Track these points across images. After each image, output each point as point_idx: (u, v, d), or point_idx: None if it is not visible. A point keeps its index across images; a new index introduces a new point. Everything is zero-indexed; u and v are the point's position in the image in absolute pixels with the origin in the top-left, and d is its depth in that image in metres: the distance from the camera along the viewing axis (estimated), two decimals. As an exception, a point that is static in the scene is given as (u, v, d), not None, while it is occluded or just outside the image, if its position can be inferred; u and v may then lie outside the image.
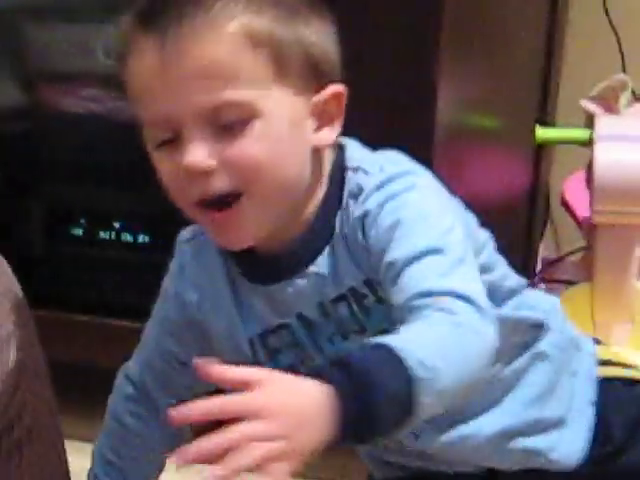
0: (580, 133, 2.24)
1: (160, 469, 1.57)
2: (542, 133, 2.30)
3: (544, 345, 1.53)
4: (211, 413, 1.07)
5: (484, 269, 1.44)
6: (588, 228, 2.25)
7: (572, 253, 2.51)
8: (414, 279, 1.30)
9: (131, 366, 1.57)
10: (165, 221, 2.15)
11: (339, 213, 1.39)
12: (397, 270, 1.32)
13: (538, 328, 1.54)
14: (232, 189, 1.31)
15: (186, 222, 2.09)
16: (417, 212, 1.35)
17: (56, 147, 2.22)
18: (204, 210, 1.33)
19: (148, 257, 2.16)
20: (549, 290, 2.41)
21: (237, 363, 1.21)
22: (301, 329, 1.42)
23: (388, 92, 1.94)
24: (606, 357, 1.63)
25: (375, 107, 1.92)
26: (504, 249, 2.45)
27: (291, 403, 1.09)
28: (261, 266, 1.39)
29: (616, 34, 2.49)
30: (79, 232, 2.15)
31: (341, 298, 1.40)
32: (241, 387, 1.06)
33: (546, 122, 2.48)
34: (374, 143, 1.87)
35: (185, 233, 1.52)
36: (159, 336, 1.52)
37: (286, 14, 1.33)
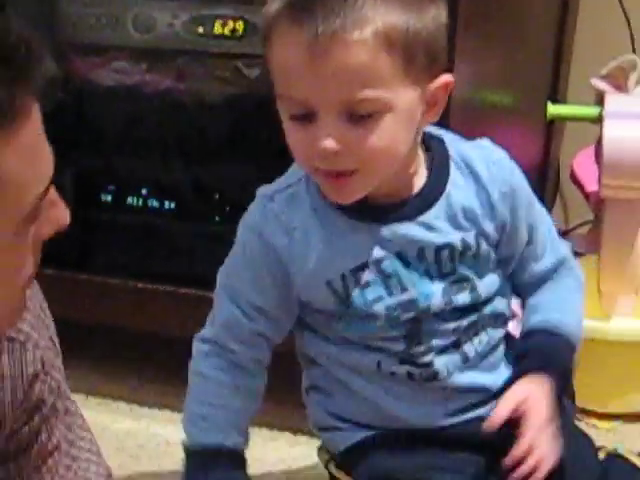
0: (590, 110, 2.25)
1: (251, 418, 1.60)
2: (553, 110, 2.31)
3: None
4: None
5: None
6: (596, 202, 2.28)
7: (580, 226, 2.53)
8: (547, 249, 1.64)
9: (205, 330, 1.61)
10: (189, 187, 2.19)
11: (449, 179, 1.53)
12: (533, 241, 1.62)
13: None
14: (354, 168, 1.42)
15: (207, 189, 2.13)
16: (530, 197, 1.63)
17: (86, 118, 2.25)
18: (324, 175, 1.44)
19: (173, 223, 2.19)
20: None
21: (320, 300, 1.54)
22: (396, 266, 1.53)
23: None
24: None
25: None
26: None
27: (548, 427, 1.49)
28: (371, 210, 1.50)
29: (626, 15, 2.50)
30: (108, 198, 2.19)
31: (446, 246, 1.52)
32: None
33: (557, 99, 2.50)
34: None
35: (267, 190, 1.59)
36: (237, 287, 1.57)
37: (415, 6, 1.38)
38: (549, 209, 2.60)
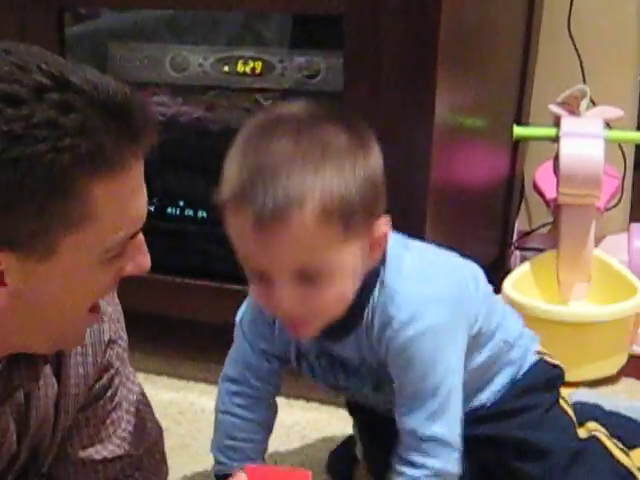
0: (549, 131, 2.25)
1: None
2: (518, 131, 2.31)
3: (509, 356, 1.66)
4: None
5: (476, 334, 1.57)
6: (554, 207, 2.27)
7: (542, 227, 2.53)
8: (409, 417, 1.47)
9: (229, 371, 1.62)
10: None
11: (366, 312, 1.47)
12: (402, 398, 1.49)
13: (508, 348, 1.65)
14: (307, 319, 1.41)
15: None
16: (429, 354, 1.45)
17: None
18: (282, 319, 1.45)
19: (205, 228, 2.17)
20: (523, 256, 2.44)
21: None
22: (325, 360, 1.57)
23: (399, 98, 1.95)
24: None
25: (390, 110, 1.95)
26: (489, 224, 2.49)
27: None
28: None
29: (577, 52, 2.51)
30: (152, 209, 2.17)
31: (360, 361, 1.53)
32: None
33: (522, 122, 2.49)
34: (390, 138, 1.92)
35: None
36: (253, 340, 1.58)
37: (347, 164, 1.33)
38: (516, 213, 2.62)
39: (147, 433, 1.58)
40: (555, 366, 1.71)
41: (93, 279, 1.23)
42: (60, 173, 1.13)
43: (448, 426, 1.46)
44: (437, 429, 1.44)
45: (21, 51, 1.17)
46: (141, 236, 1.28)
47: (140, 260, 1.28)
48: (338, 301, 1.40)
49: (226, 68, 2.17)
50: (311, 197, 1.29)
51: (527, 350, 1.67)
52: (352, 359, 1.52)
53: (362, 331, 1.47)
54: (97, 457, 1.54)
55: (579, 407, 1.82)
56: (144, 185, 1.25)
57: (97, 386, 1.51)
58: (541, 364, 1.69)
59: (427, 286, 1.46)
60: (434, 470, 1.44)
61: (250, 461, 1.55)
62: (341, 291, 1.39)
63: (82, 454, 1.53)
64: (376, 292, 1.45)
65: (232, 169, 1.35)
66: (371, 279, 1.44)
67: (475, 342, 1.56)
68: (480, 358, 1.59)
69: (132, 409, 1.57)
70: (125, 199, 1.20)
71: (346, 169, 1.32)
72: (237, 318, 1.62)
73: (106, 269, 1.23)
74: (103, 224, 1.18)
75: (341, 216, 1.32)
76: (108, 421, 1.54)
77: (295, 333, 1.46)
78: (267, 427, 1.63)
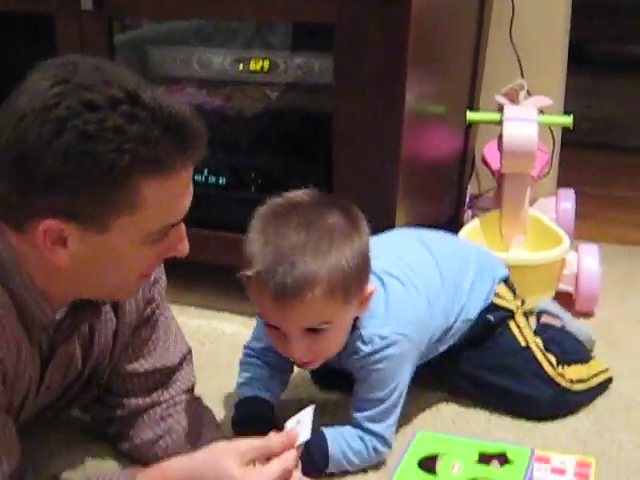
0: (494, 116, 2.24)
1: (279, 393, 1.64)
2: (470, 116, 2.30)
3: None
4: None
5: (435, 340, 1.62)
6: (498, 176, 2.27)
7: (488, 191, 2.54)
8: (360, 412, 1.50)
9: (251, 342, 1.65)
10: (235, 169, 2.19)
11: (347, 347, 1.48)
12: (358, 397, 1.52)
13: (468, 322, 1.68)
14: (314, 360, 1.45)
15: (245, 170, 2.14)
16: (374, 381, 1.50)
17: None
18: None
19: (225, 192, 2.20)
20: (474, 213, 2.44)
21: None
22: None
23: (377, 90, 1.94)
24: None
25: (369, 100, 1.95)
26: (447, 189, 2.49)
27: None
28: None
29: (517, 54, 2.50)
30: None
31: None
32: None
33: (473, 109, 2.49)
34: (369, 122, 1.92)
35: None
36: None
37: (346, 246, 1.36)
38: (468, 180, 2.62)
39: (179, 350, 1.59)
40: (505, 309, 1.74)
41: (137, 255, 1.24)
42: (119, 170, 1.14)
43: (386, 427, 1.51)
44: (378, 429, 1.49)
45: (107, 69, 1.19)
46: (182, 226, 1.28)
47: (180, 246, 1.29)
48: (337, 345, 1.45)
49: (241, 66, 2.17)
50: (320, 278, 1.33)
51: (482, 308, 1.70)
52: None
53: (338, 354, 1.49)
54: (140, 369, 1.54)
55: (538, 327, 1.87)
56: (191, 188, 1.26)
57: (143, 315, 1.53)
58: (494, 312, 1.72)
59: (388, 325, 1.49)
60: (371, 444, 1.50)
61: (261, 392, 1.59)
62: (340, 338, 1.44)
63: (129, 367, 1.54)
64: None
65: (256, 251, 1.36)
66: None
67: (435, 343, 1.63)
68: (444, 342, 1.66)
69: (168, 332, 1.58)
70: (170, 198, 1.21)
71: (346, 250, 1.36)
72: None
73: (148, 249, 1.24)
74: (148, 214, 1.19)
75: (343, 288, 1.36)
76: (149, 342, 1.55)
77: (303, 367, 1.51)
78: (279, 381, 1.64)
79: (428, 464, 1.30)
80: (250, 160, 2.20)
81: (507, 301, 1.73)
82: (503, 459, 1.31)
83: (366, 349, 1.48)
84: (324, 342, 1.41)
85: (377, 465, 1.53)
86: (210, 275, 2.05)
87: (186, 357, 1.60)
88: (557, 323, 1.92)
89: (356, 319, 1.47)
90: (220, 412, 1.71)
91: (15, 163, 1.16)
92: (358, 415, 1.50)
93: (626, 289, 2.29)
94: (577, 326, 1.95)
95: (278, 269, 1.31)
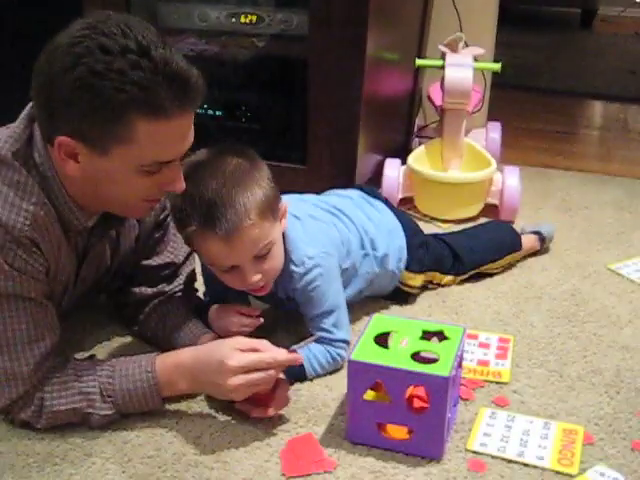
0: (438, 62, 2.22)
1: None
2: (419, 62, 2.27)
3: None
4: None
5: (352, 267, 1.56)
6: (440, 111, 2.24)
7: (432, 123, 2.51)
8: (319, 328, 1.45)
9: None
10: (229, 104, 2.16)
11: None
12: (310, 317, 1.47)
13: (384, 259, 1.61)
14: (266, 283, 1.39)
15: (238, 104, 2.11)
16: (317, 297, 1.44)
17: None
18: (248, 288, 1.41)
19: (220, 122, 2.16)
20: (420, 141, 2.42)
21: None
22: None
23: (344, 39, 1.91)
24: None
25: (338, 47, 1.93)
26: (399, 121, 2.47)
27: None
28: None
29: (457, 11, 2.46)
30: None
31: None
32: None
33: (420, 56, 2.46)
34: (337, 66, 1.89)
35: None
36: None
37: (257, 178, 1.32)
38: (416, 113, 2.60)
39: (184, 250, 1.58)
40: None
41: (134, 182, 1.22)
42: (115, 105, 1.13)
43: (345, 331, 1.47)
44: (338, 336, 1.45)
45: (133, 25, 1.15)
46: (178, 166, 1.25)
47: (175, 184, 1.26)
48: (280, 262, 1.41)
49: (233, 20, 2.11)
50: (249, 206, 1.29)
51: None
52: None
53: (278, 281, 1.45)
54: (153, 264, 1.55)
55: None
56: (189, 135, 1.22)
57: (159, 220, 1.53)
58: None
59: (311, 247, 1.45)
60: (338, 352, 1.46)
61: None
62: (280, 255, 1.40)
63: (144, 262, 1.54)
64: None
65: (188, 209, 1.31)
66: None
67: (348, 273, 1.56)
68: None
69: (177, 234, 1.56)
70: (163, 138, 1.18)
71: (257, 179, 1.32)
72: None
73: (143, 178, 1.22)
74: (141, 148, 1.17)
75: (269, 208, 1.33)
76: (161, 242, 1.55)
77: (261, 293, 1.43)
78: None
79: (381, 340, 1.30)
80: (241, 97, 2.17)
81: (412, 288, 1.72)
82: (441, 336, 1.32)
83: (299, 270, 1.42)
84: (270, 262, 1.36)
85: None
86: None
87: (190, 255, 1.59)
88: None
89: (285, 250, 1.43)
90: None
91: (42, 85, 1.17)
92: (316, 332, 1.44)
93: (540, 204, 2.29)
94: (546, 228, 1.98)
95: (215, 214, 1.27)
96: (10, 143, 1.23)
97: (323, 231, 1.51)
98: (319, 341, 1.43)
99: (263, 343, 1.29)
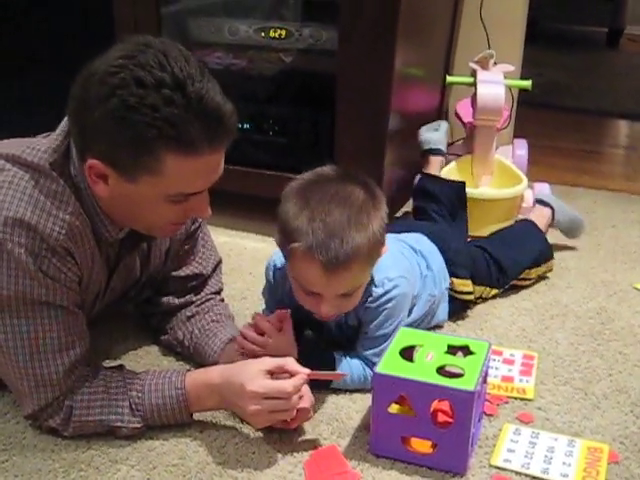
0: (468, 79, 2.23)
1: None
2: (449, 79, 2.28)
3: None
4: None
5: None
6: (469, 127, 2.25)
7: (458, 140, 2.51)
8: (368, 347, 1.44)
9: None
10: (257, 117, 2.17)
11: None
12: (367, 336, 1.44)
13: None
14: (339, 315, 1.40)
15: (265, 117, 2.12)
16: (383, 318, 1.42)
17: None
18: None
19: (248, 135, 2.16)
20: (448, 159, 2.40)
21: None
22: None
23: (373, 55, 1.92)
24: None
25: (366, 63, 1.93)
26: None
27: None
28: None
29: (485, 29, 2.47)
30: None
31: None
32: None
33: (448, 73, 2.46)
34: (366, 81, 1.91)
35: (279, 263, 1.48)
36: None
37: (373, 217, 1.30)
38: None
39: (212, 261, 1.60)
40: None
41: (160, 208, 1.23)
42: (145, 139, 1.13)
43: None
44: (377, 360, 1.39)
45: (172, 55, 1.14)
46: (205, 195, 1.26)
47: (201, 211, 1.27)
48: (357, 302, 1.39)
49: (262, 34, 2.13)
50: (362, 249, 1.27)
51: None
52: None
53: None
54: (181, 274, 1.56)
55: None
56: (217, 166, 1.22)
57: (189, 231, 1.54)
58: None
59: (393, 270, 1.43)
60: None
61: None
62: (361, 294, 1.38)
63: (173, 273, 1.56)
64: None
65: (303, 226, 1.27)
66: None
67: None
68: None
69: (205, 246, 1.58)
70: (191, 173, 1.18)
71: (376, 221, 1.30)
72: (273, 263, 1.51)
73: (170, 206, 1.23)
74: (169, 180, 1.18)
75: (376, 254, 1.32)
76: (191, 253, 1.57)
77: (322, 320, 1.41)
78: None
79: (407, 353, 1.31)
80: (268, 111, 2.18)
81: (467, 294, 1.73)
82: (467, 351, 1.32)
83: (378, 291, 1.40)
84: (351, 301, 1.36)
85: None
86: (235, 202, 2.05)
87: (217, 266, 1.61)
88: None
89: None
90: (242, 307, 1.74)
91: (77, 108, 1.18)
92: (367, 352, 1.43)
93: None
94: (569, 214, 2.06)
95: (330, 244, 1.24)
96: (49, 154, 1.25)
97: (405, 257, 1.53)
98: (361, 358, 1.44)
99: (289, 362, 1.29)
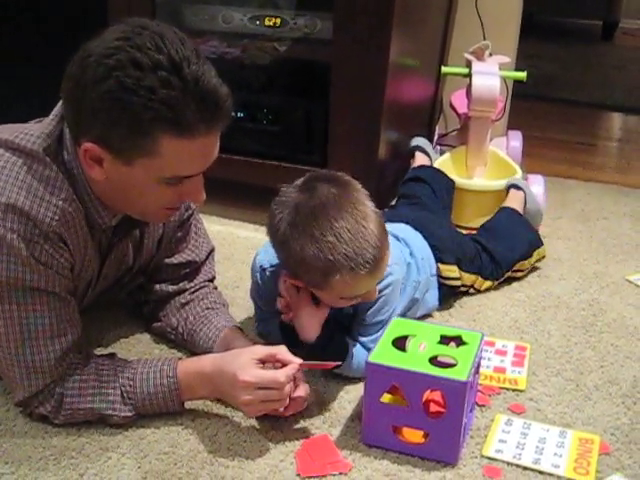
0: (464, 70, 2.22)
1: None
2: (444, 69, 2.28)
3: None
4: None
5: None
6: (464, 118, 2.25)
7: (453, 131, 2.50)
8: (365, 334, 1.43)
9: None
10: (250, 106, 2.16)
11: None
12: (364, 323, 1.43)
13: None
14: None
15: (259, 106, 2.12)
16: (380, 305, 1.42)
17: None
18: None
19: (242, 124, 2.15)
20: (442, 149, 2.40)
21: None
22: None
23: (368, 45, 1.91)
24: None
25: (362, 53, 1.92)
26: (419, 128, 2.46)
27: None
28: None
29: (481, 20, 2.46)
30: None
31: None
32: None
33: (443, 63, 2.46)
34: (361, 70, 1.89)
35: (266, 263, 1.47)
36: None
37: (378, 219, 1.32)
38: (437, 120, 2.60)
39: (205, 248, 1.60)
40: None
41: (155, 192, 1.22)
42: (141, 121, 1.13)
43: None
44: (373, 346, 1.37)
45: (168, 38, 1.14)
46: (200, 179, 1.25)
47: (195, 195, 1.26)
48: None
49: (257, 22, 2.12)
50: (379, 232, 1.29)
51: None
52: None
53: None
54: (175, 261, 1.56)
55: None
56: (213, 149, 1.21)
57: (182, 219, 1.53)
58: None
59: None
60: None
61: None
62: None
63: (166, 260, 1.55)
64: None
65: (336, 254, 1.26)
66: None
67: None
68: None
69: (198, 233, 1.58)
70: (186, 155, 1.18)
71: (367, 202, 1.31)
72: (259, 263, 1.49)
73: (164, 189, 1.22)
74: (164, 162, 1.17)
75: (385, 230, 1.33)
76: (184, 240, 1.56)
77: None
78: None
79: (399, 343, 1.30)
80: (262, 99, 2.17)
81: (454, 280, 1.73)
82: (459, 341, 1.32)
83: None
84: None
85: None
86: (229, 191, 2.04)
87: (210, 254, 1.61)
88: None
89: None
90: (235, 295, 1.73)
91: (73, 89, 1.17)
92: (364, 339, 1.43)
93: (559, 213, 2.29)
94: (535, 203, 2.05)
95: (361, 252, 1.26)
96: (42, 138, 1.24)
97: (391, 243, 1.51)
98: (362, 345, 1.44)
99: (281, 350, 1.29)
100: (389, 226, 1.63)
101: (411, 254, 1.61)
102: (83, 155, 1.19)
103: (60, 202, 1.23)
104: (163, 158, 1.16)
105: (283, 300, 1.39)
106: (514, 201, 2.01)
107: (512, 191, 2.05)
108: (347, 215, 1.27)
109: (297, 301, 1.38)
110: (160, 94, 1.11)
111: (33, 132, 1.25)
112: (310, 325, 1.37)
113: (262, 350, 1.28)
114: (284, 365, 1.27)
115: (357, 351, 1.43)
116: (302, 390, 1.30)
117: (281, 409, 1.29)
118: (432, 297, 1.68)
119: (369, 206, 1.31)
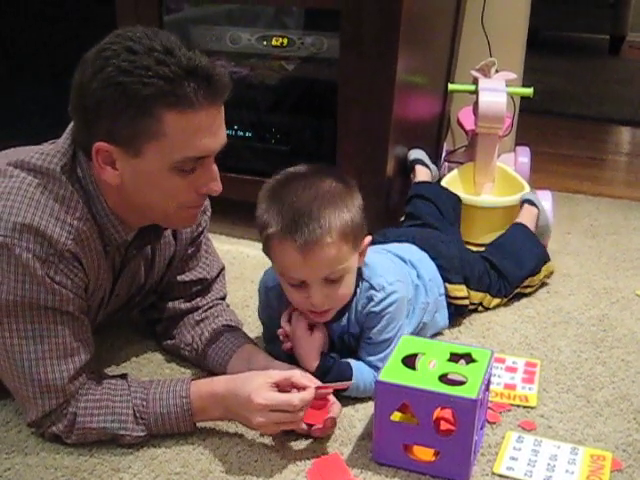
0: (470, 87, 2.23)
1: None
2: (451, 87, 2.29)
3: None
4: None
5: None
6: (472, 135, 2.25)
7: (460, 148, 2.52)
8: (372, 354, 1.43)
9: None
10: (258, 126, 2.18)
11: (354, 299, 1.42)
12: (371, 342, 1.43)
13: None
14: (330, 309, 1.38)
15: (266, 125, 2.13)
16: (386, 322, 1.42)
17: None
18: (311, 313, 1.39)
19: (250, 143, 2.17)
20: (450, 166, 2.40)
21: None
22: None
23: (374, 64, 1.93)
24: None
25: (368, 71, 1.94)
26: (427, 145, 2.48)
27: None
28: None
29: (487, 37, 2.48)
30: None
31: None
32: None
33: (450, 81, 2.47)
34: (368, 89, 1.90)
35: (270, 282, 1.49)
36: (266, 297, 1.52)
37: (350, 204, 1.32)
38: (444, 137, 2.60)
39: (216, 266, 1.61)
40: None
41: (169, 182, 1.23)
42: (142, 100, 1.16)
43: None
44: (382, 365, 1.38)
45: (160, 34, 1.20)
46: (213, 166, 1.26)
47: (211, 184, 1.27)
48: (349, 293, 1.40)
49: (265, 42, 2.14)
50: (334, 225, 1.29)
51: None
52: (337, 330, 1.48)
53: (351, 311, 1.44)
54: (186, 279, 1.57)
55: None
56: (218, 127, 1.23)
57: (192, 237, 1.54)
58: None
59: (390, 275, 1.44)
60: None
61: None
62: (350, 287, 1.39)
63: (178, 278, 1.56)
64: (360, 284, 1.43)
65: (273, 214, 1.30)
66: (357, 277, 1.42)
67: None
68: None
69: (208, 251, 1.59)
70: (192, 131, 1.19)
71: (349, 205, 1.32)
72: (264, 283, 1.51)
73: (178, 178, 1.23)
74: (172, 142, 1.19)
75: (352, 235, 1.33)
76: (195, 258, 1.57)
77: (320, 319, 1.41)
78: None
79: (409, 361, 1.30)
80: (270, 119, 2.19)
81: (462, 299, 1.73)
82: (469, 359, 1.32)
83: (379, 295, 1.40)
84: (340, 289, 1.36)
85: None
86: (237, 210, 2.04)
87: (221, 272, 1.62)
88: None
89: (361, 277, 1.42)
90: (244, 315, 1.73)
91: (76, 93, 1.21)
92: (371, 358, 1.43)
93: (568, 228, 2.29)
94: (546, 220, 2.05)
95: (299, 221, 1.27)
96: (58, 157, 1.27)
97: (396, 264, 1.53)
98: (367, 365, 1.44)
99: (296, 374, 1.29)
100: (395, 247, 1.64)
101: (418, 276, 1.61)
102: (96, 159, 1.21)
103: (75, 221, 1.24)
104: (169, 137, 1.18)
105: (282, 330, 1.43)
106: (527, 217, 2.01)
107: (526, 206, 2.04)
108: (320, 195, 1.30)
109: (293, 330, 1.41)
110: (156, 70, 1.15)
111: (49, 152, 1.27)
112: (307, 354, 1.40)
113: (277, 374, 1.29)
114: (299, 389, 1.27)
115: (363, 372, 1.43)
116: (334, 411, 1.32)
117: (315, 429, 1.31)
118: (442, 317, 1.68)
119: (351, 207, 1.32)
